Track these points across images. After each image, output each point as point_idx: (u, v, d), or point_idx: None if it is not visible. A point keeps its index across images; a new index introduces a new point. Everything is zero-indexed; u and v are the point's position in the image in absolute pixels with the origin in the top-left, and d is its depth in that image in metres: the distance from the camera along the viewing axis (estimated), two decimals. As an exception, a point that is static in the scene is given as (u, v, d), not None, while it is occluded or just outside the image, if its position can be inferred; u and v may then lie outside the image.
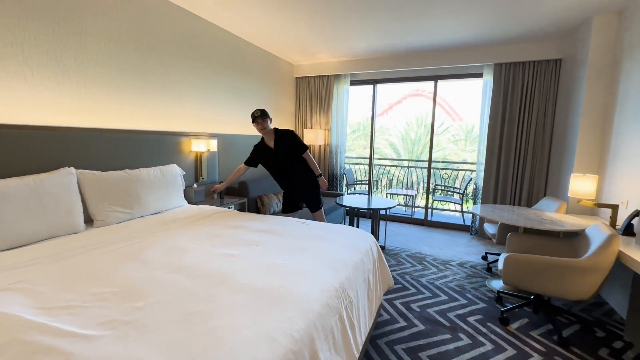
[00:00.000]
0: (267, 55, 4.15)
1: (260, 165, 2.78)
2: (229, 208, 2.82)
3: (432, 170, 4.64)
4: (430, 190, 4.72)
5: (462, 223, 4.52)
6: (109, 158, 2.22)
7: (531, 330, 2.00)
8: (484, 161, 3.91)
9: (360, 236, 1.94)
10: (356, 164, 6.27)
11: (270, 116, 2.59)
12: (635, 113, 2.34)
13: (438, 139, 8.38)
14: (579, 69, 2.98)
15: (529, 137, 3.67)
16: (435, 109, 4.36)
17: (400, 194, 5.48)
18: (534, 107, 3.62)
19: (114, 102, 2.32)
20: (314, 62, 4.69)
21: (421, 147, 8.51)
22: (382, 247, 3.51)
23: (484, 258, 3.26)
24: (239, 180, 3.20)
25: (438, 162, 7.48)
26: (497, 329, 2.01)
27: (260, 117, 2.51)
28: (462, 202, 4.90)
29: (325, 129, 4.77)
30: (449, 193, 5.63)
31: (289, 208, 2.84)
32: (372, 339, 1.87)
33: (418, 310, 2.22)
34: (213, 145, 3.05)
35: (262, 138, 2.69)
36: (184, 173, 2.69)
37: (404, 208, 5.74)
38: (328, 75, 4.64)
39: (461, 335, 1.94)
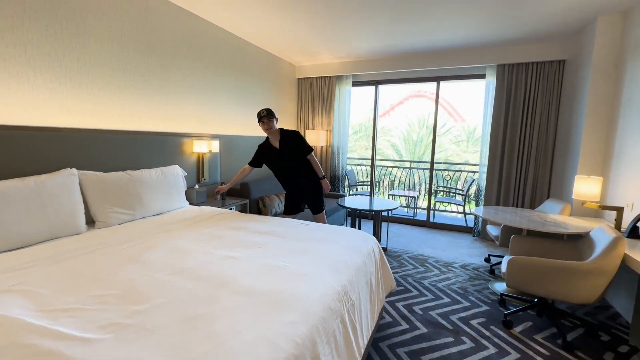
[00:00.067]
0: (269, 56, 4.15)
1: (261, 167, 2.78)
2: (231, 209, 2.82)
3: (434, 172, 4.62)
4: (433, 191, 4.70)
5: (465, 225, 4.50)
6: (111, 159, 2.22)
7: (535, 334, 1.98)
8: (486, 162, 3.89)
9: (362, 238, 1.92)
10: (358, 165, 6.25)
11: (276, 116, 2.58)
12: (640, 114, 2.32)
13: (440, 140, 8.35)
14: (583, 70, 2.96)
15: (532, 138, 3.65)
16: (438, 110, 4.35)
17: (402, 195, 5.46)
18: (537, 108, 3.59)
19: (116, 103, 2.32)
20: (316, 63, 4.69)
21: (423, 148, 8.49)
22: (384, 249, 3.49)
23: (487, 260, 3.24)
24: (241, 182, 3.19)
25: (440, 163, 7.46)
26: (501, 333, 1.99)
27: (266, 116, 2.50)
28: (465, 204, 4.88)
29: (327, 130, 4.77)
30: (451, 194, 5.60)
31: (291, 210, 2.83)
32: (374, 342, 1.85)
33: (420, 312, 2.20)
34: (215, 146, 3.04)
35: (267, 138, 2.68)
36: (186, 174, 2.69)
37: (405, 209, 5.72)
38: (330, 76, 4.64)
39: (464, 338, 1.92)
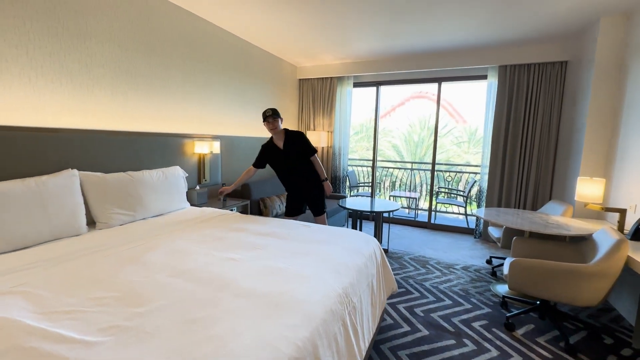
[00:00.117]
0: (270, 57, 4.15)
1: (265, 167, 2.77)
2: (232, 210, 2.81)
3: (435, 173, 4.61)
4: (434, 192, 4.69)
5: (466, 226, 4.48)
6: (112, 160, 2.22)
7: (537, 337, 1.97)
8: (488, 164, 3.88)
9: (363, 240, 1.92)
10: (359, 166, 6.25)
11: (281, 116, 2.59)
12: (644, 116, 2.31)
13: (441, 141, 8.34)
14: (586, 71, 2.95)
15: (534, 139, 3.63)
16: (439, 111, 4.34)
17: (403, 197, 5.45)
18: (539, 109, 3.58)
19: (117, 104, 2.32)
20: (317, 64, 4.69)
21: (424, 149, 8.48)
22: (385, 250, 3.48)
23: (489, 262, 3.22)
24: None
25: (441, 164, 7.44)
26: (503, 335, 1.98)
27: (271, 116, 2.50)
28: (466, 205, 4.86)
29: (328, 131, 4.76)
30: (453, 195, 5.59)
31: (292, 211, 2.82)
32: (376, 344, 1.85)
33: (422, 315, 2.19)
34: (216, 147, 3.04)
35: (271, 138, 2.68)
36: (187, 175, 2.69)
37: (407, 211, 5.71)
38: (331, 77, 4.63)
39: (466, 340, 1.91)
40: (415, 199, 5.44)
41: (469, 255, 3.46)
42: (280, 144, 2.62)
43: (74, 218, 1.78)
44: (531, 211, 2.90)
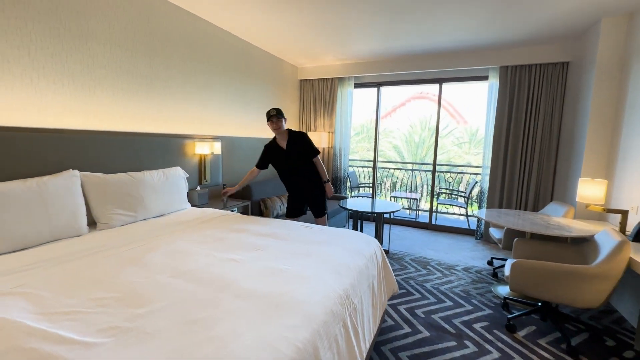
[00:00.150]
0: (271, 58, 4.16)
1: (267, 168, 2.78)
2: (232, 211, 2.81)
3: (436, 173, 4.60)
4: (435, 193, 4.68)
5: (467, 227, 4.47)
6: (113, 160, 2.22)
7: (539, 338, 1.96)
8: (489, 165, 3.87)
9: (364, 241, 1.91)
10: (360, 166, 6.24)
11: (285, 116, 2.59)
12: (645, 117, 2.30)
13: (442, 142, 8.33)
14: (587, 71, 2.94)
15: (535, 140, 3.63)
16: (440, 112, 4.33)
17: (404, 197, 5.44)
18: (540, 110, 3.57)
19: (118, 105, 2.33)
20: (318, 65, 4.69)
21: (425, 150, 8.47)
22: (386, 251, 3.47)
23: (490, 263, 3.21)
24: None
25: (442, 165, 7.43)
26: (504, 337, 1.97)
27: (275, 116, 2.51)
28: (467, 206, 4.85)
29: (329, 132, 4.76)
30: (454, 196, 5.58)
31: (293, 212, 2.82)
32: (376, 346, 1.84)
33: (423, 316, 2.19)
34: (217, 147, 3.04)
35: (274, 138, 2.68)
36: (188, 176, 2.69)
37: (407, 211, 5.70)
38: (332, 78, 4.64)
39: (467, 342, 1.91)
40: (416, 199, 5.44)
41: (470, 256, 3.45)
42: (283, 144, 2.62)
43: (75, 218, 1.79)
44: (532, 212, 2.90)
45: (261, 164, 2.72)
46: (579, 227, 2.30)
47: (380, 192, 6.38)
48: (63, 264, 1.39)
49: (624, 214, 2.24)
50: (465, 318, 2.17)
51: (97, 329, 0.93)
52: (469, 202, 4.96)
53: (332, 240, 1.85)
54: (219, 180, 3.24)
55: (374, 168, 4.94)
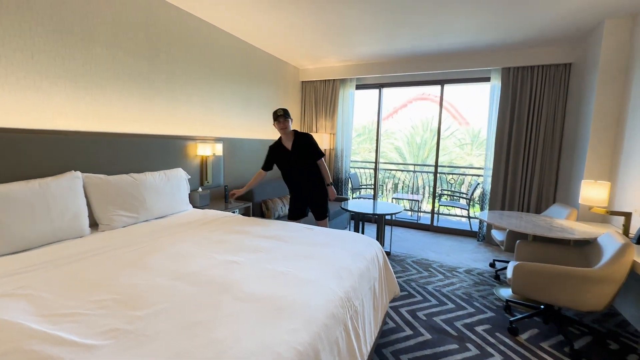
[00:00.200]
0: (273, 59, 4.17)
1: (272, 169, 2.78)
2: (234, 212, 2.82)
3: (438, 175, 4.59)
4: (437, 195, 4.67)
5: (469, 229, 4.45)
6: (115, 162, 2.23)
7: (541, 342, 1.95)
8: (491, 166, 3.86)
9: (366, 243, 1.91)
10: (361, 168, 6.24)
11: (292, 117, 2.59)
12: (649, 118, 2.28)
13: (444, 143, 8.31)
14: (590, 73, 2.93)
15: (537, 142, 3.61)
16: (442, 113, 4.32)
17: (405, 199, 5.43)
18: (542, 111, 3.56)
19: (120, 106, 2.34)
20: (320, 66, 4.69)
21: (427, 151, 8.45)
22: (388, 253, 3.46)
23: (492, 265, 3.20)
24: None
25: (444, 166, 7.41)
26: (506, 340, 1.96)
27: (282, 116, 2.51)
28: (469, 208, 4.83)
29: (330, 133, 4.76)
30: (455, 198, 5.56)
31: (295, 213, 2.82)
32: (377, 348, 1.83)
33: (424, 318, 2.18)
34: (219, 149, 3.05)
35: (280, 138, 2.68)
36: (189, 177, 2.69)
37: (409, 213, 5.69)
38: (334, 80, 4.64)
39: (469, 345, 1.89)
40: (418, 201, 5.42)
41: (472, 258, 3.44)
42: (288, 144, 2.62)
43: (77, 220, 1.79)
44: (535, 214, 2.88)
45: (266, 166, 2.72)
46: (581, 229, 2.28)
47: (382, 194, 6.37)
48: (64, 266, 1.39)
49: (627, 216, 2.23)
50: (467, 321, 2.16)
51: (98, 331, 0.93)
52: (471, 203, 4.94)
53: (334, 242, 1.85)
54: (220, 182, 3.24)
55: (375, 169, 4.94)
